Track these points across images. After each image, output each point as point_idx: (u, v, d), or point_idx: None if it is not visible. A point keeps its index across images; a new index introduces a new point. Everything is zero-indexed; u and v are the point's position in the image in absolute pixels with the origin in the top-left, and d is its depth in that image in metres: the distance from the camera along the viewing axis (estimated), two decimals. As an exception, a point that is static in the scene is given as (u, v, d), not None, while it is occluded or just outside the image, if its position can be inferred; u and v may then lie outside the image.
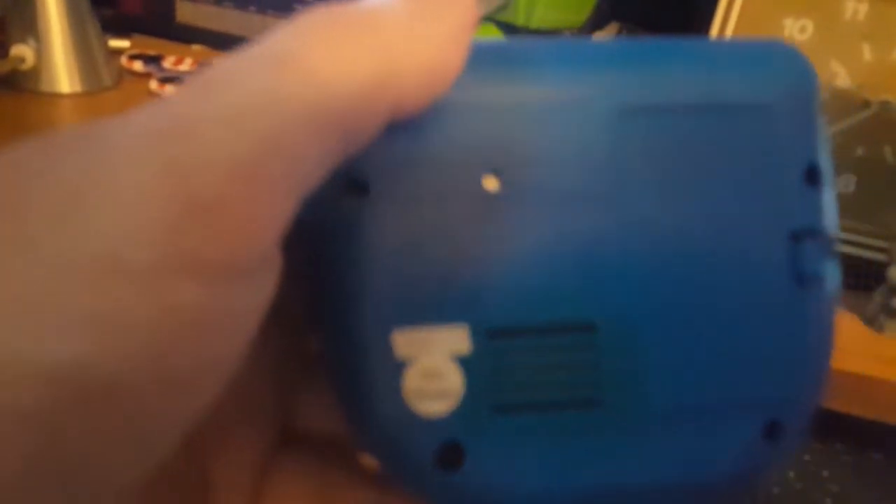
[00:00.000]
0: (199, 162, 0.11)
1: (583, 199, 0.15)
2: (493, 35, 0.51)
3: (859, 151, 0.43)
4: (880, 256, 0.43)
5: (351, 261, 0.15)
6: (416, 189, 0.15)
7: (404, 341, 0.15)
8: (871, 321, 0.41)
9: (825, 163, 0.16)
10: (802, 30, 0.42)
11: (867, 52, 0.41)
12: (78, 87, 0.57)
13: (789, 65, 0.16)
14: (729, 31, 0.43)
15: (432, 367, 0.15)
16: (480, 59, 0.15)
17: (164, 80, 0.57)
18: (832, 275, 0.16)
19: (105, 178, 0.10)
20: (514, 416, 0.15)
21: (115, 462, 0.11)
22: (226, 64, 0.12)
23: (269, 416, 0.17)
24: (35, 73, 0.55)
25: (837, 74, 0.42)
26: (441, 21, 0.13)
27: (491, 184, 0.15)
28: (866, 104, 0.42)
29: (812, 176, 0.16)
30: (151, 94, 0.57)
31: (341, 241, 0.15)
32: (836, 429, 0.42)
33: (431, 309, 0.15)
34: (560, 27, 0.56)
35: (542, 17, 0.51)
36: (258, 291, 0.12)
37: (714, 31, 0.43)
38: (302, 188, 0.12)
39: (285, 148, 0.11)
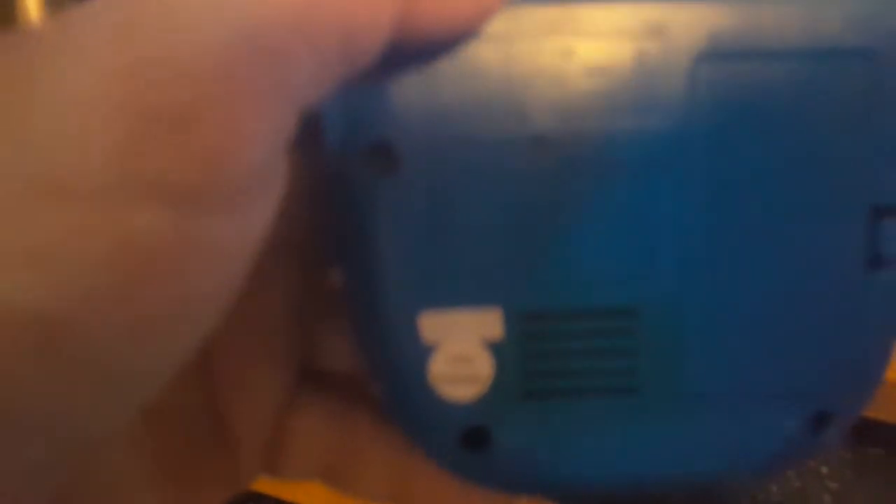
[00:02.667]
0: (165, 60, 0.09)
1: (638, 166, 0.13)
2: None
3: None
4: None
5: (376, 235, 0.13)
6: (451, 161, 0.13)
7: (431, 325, 0.14)
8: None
9: None
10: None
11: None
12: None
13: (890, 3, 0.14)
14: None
15: (461, 352, 0.14)
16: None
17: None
18: None
19: (50, 83, 0.09)
20: (546, 402, 0.14)
21: (86, 414, 0.10)
22: None
23: (289, 352, 0.16)
24: (14, 70, 0.54)
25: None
26: None
27: (539, 149, 0.13)
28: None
29: None
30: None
31: (367, 212, 0.13)
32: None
33: (462, 291, 0.14)
34: None
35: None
36: (245, 222, 0.10)
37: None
38: (296, 100, 0.10)
39: (272, 46, 0.09)
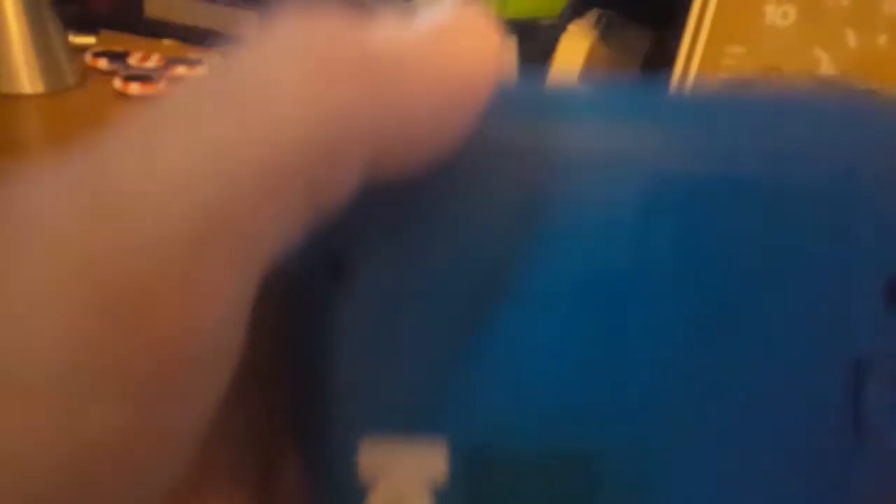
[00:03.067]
0: (128, 249, 0.09)
1: (595, 303, 0.12)
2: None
3: (845, 142, 0.41)
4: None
5: (319, 349, 0.12)
6: (403, 282, 0.12)
7: (372, 456, 0.12)
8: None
9: None
10: (784, 16, 0.40)
11: (852, 39, 0.39)
12: (40, 88, 0.55)
13: (883, 130, 0.12)
14: (708, 17, 0.41)
15: (399, 495, 0.12)
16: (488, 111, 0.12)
17: (130, 78, 0.55)
18: None
19: (11, 275, 0.09)
20: None
21: None
22: (179, 98, 0.10)
23: (249, 478, 0.15)
24: (-7, 74, 0.53)
25: (821, 62, 0.40)
26: (456, 63, 0.11)
27: (494, 267, 0.12)
28: (851, 93, 0.40)
29: (894, 293, 0.12)
30: (116, 92, 0.55)
31: (315, 326, 0.12)
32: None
33: (407, 418, 0.12)
34: (536, 16, 0.54)
35: (517, 5, 0.49)
36: (203, 391, 0.10)
37: (693, 16, 0.41)
38: (261, 260, 0.10)
39: (239, 217, 0.09)
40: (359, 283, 0.12)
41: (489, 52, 0.11)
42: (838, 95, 0.13)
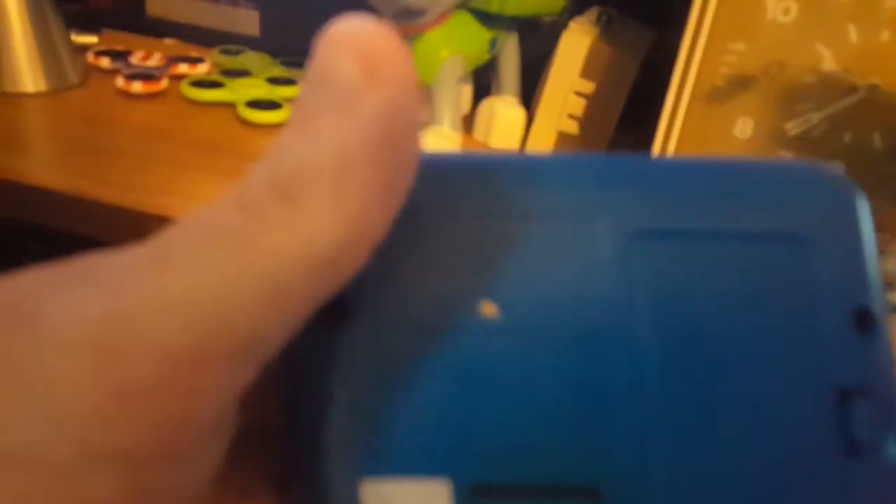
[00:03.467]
0: (135, 351, 0.10)
1: (590, 336, 0.13)
2: (467, 20, 0.49)
3: (847, 138, 0.41)
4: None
5: (318, 392, 0.13)
6: (400, 316, 0.13)
7: (374, 496, 0.12)
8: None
9: (878, 305, 0.14)
10: (786, 11, 0.40)
11: (854, 34, 0.39)
12: (42, 87, 0.55)
13: (829, 191, 0.14)
14: (709, 14, 0.41)
15: None
16: (474, 176, 0.13)
17: (132, 77, 0.55)
18: (891, 443, 0.13)
19: (33, 366, 0.10)
20: None
21: None
22: (178, 234, 0.11)
23: None
24: (-4, 72, 0.54)
25: (823, 57, 0.40)
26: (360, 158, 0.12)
27: (489, 310, 0.13)
28: (853, 88, 0.40)
29: (862, 322, 0.13)
30: (119, 91, 0.55)
31: (311, 368, 0.13)
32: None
33: (408, 458, 0.12)
34: (538, 13, 0.54)
35: (518, 2, 0.49)
36: (199, 465, 0.11)
37: (694, 12, 0.41)
38: (249, 355, 0.11)
39: (239, 328, 0.10)
40: (354, 329, 0.13)
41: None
42: (782, 163, 0.15)
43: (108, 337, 0.10)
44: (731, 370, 0.13)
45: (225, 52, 0.64)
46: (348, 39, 0.12)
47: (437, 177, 0.14)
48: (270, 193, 0.11)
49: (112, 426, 0.10)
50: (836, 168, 0.14)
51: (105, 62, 0.59)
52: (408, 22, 0.47)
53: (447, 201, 0.13)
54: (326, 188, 0.11)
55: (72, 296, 0.10)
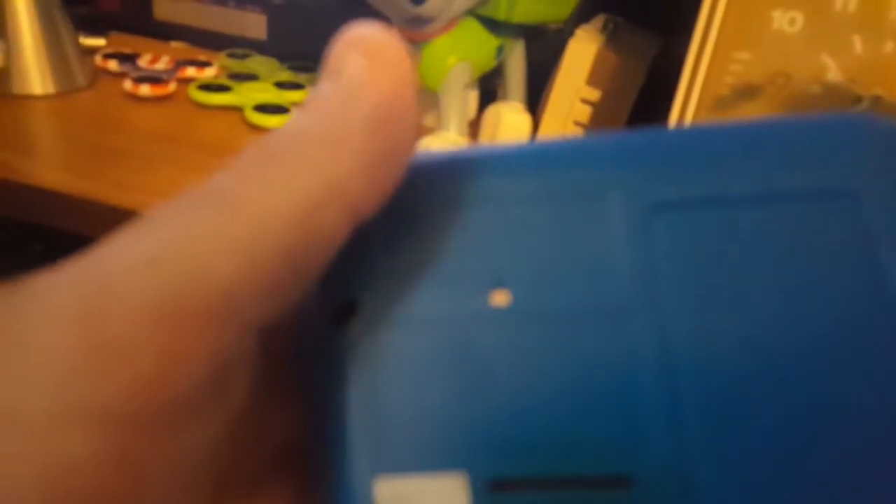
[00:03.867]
0: (111, 305, 0.10)
1: (609, 315, 0.12)
2: (474, 27, 0.50)
3: (851, 147, 0.41)
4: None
5: (331, 391, 0.13)
6: (410, 310, 0.13)
7: (388, 495, 0.12)
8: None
9: None
10: (792, 22, 0.40)
11: (858, 45, 0.40)
12: (51, 89, 0.55)
13: (872, 138, 0.12)
14: (716, 23, 0.41)
15: None
16: (476, 166, 0.13)
17: (140, 80, 0.56)
18: None
19: (17, 327, 0.10)
20: None
21: None
22: (164, 206, 0.11)
23: None
24: (5, 74, 0.54)
25: (828, 68, 0.40)
26: (354, 127, 0.12)
27: (500, 298, 0.13)
28: (858, 99, 0.40)
29: None
30: (126, 94, 0.56)
31: (324, 368, 0.13)
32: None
33: (423, 453, 0.12)
34: (544, 20, 0.54)
35: (525, 9, 0.50)
36: (185, 441, 0.11)
37: (701, 22, 0.42)
38: (241, 316, 0.11)
39: (216, 286, 0.11)
40: (367, 324, 0.13)
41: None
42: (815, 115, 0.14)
43: (86, 294, 0.10)
44: (774, 340, 0.12)
45: (232, 55, 0.64)
46: (358, 40, 0.13)
47: (442, 171, 0.14)
48: (259, 154, 0.12)
49: (89, 381, 0.10)
50: (882, 116, 0.13)
51: (113, 65, 0.60)
52: (416, 29, 0.47)
53: (451, 193, 0.13)
54: (311, 150, 0.12)
55: (67, 266, 0.11)
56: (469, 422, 0.12)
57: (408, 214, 0.13)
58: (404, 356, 0.13)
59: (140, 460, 0.10)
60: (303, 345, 0.14)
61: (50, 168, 0.46)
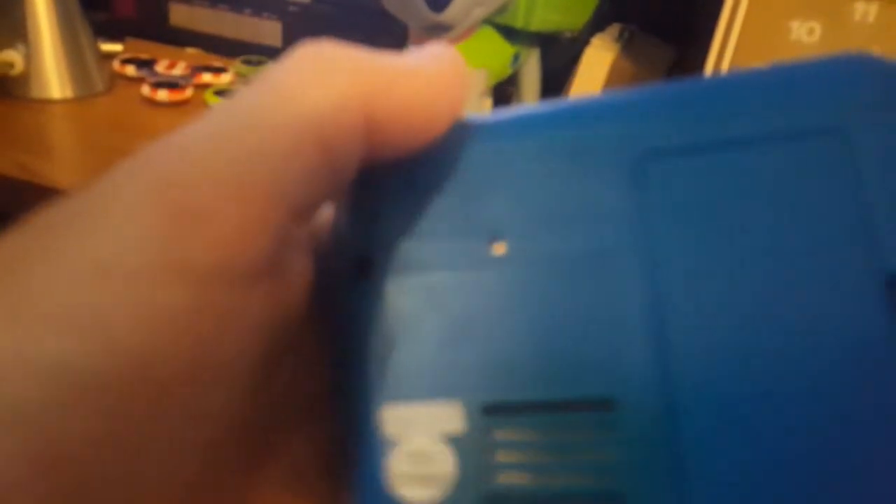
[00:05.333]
0: (187, 177, 0.12)
1: (600, 257, 0.13)
2: (491, 36, 0.50)
3: (869, 157, 0.41)
4: None
5: (351, 335, 0.14)
6: (416, 260, 0.14)
7: (393, 418, 0.14)
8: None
9: None
10: (810, 32, 0.41)
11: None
12: (69, 93, 0.56)
13: (866, 77, 0.12)
14: (734, 33, 0.41)
15: (420, 448, 0.13)
16: (477, 128, 0.14)
17: (157, 85, 0.56)
18: None
19: (110, 197, 0.12)
20: None
21: (114, 470, 0.11)
22: (228, 97, 0.13)
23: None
24: (25, 78, 0.54)
25: (846, 78, 0.41)
26: (422, 68, 0.14)
27: (498, 249, 0.14)
28: (876, 109, 0.40)
29: None
30: (143, 98, 0.56)
31: (345, 315, 0.14)
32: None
33: (425, 384, 0.13)
34: (560, 29, 0.54)
35: (541, 18, 0.50)
36: (256, 302, 0.12)
37: (719, 32, 0.42)
38: (288, 199, 0.13)
39: (267, 159, 0.12)
40: (380, 274, 0.14)
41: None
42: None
43: (167, 169, 0.12)
44: (764, 275, 0.12)
45: (248, 62, 0.65)
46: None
47: (444, 136, 0.14)
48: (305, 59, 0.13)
49: (173, 241, 0.11)
50: (878, 55, 0.13)
51: (130, 70, 0.60)
52: (435, 36, 0.47)
53: (453, 156, 0.14)
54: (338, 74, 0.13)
55: (145, 148, 0.12)
56: (465, 355, 0.13)
57: (413, 178, 0.14)
58: (412, 303, 0.14)
59: (224, 314, 0.12)
60: (326, 299, 0.15)
61: (68, 171, 0.47)
